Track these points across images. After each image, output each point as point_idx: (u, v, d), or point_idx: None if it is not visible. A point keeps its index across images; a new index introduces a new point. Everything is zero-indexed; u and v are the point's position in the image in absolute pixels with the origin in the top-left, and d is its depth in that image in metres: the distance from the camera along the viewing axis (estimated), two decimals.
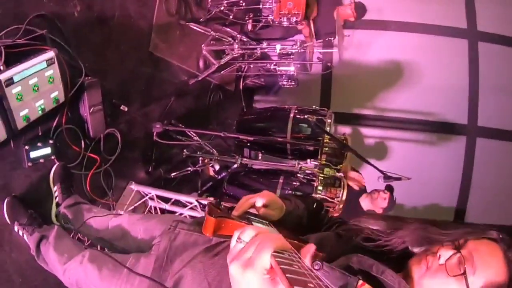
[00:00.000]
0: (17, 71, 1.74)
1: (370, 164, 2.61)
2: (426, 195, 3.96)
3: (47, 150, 2.03)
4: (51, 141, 2.05)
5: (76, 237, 2.11)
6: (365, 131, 4.16)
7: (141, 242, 1.44)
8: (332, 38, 2.99)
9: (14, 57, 1.75)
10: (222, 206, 0.97)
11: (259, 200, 1.00)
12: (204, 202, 2.43)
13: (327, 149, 2.80)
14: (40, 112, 1.91)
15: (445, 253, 0.85)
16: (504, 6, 3.89)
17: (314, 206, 1.23)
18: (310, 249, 0.72)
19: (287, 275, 0.55)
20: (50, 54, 1.89)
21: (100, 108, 2.28)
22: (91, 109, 2.22)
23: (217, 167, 3.31)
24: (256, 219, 0.97)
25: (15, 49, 1.79)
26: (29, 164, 1.97)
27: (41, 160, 2.01)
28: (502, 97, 3.83)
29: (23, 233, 1.89)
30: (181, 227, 1.19)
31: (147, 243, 1.36)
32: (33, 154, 1.98)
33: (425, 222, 0.99)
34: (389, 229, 1.01)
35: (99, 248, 2.34)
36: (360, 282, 0.68)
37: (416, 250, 0.96)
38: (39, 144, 1.99)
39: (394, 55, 4.04)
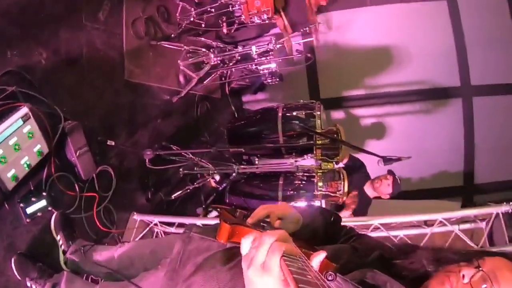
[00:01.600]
0: None
1: (366, 152, 2.58)
2: (431, 164, 3.92)
3: (43, 203, 2.05)
4: (44, 193, 2.06)
5: (89, 279, 2.15)
6: (359, 112, 4.11)
7: (147, 263, 1.45)
8: (306, 28, 2.92)
9: None
10: (238, 213, 0.99)
11: (276, 211, 1.00)
12: (207, 222, 2.44)
13: (320, 143, 2.78)
14: (27, 168, 1.92)
15: (469, 272, 0.84)
16: None
17: (332, 219, 1.22)
18: (319, 254, 0.72)
19: (300, 285, 0.55)
20: (24, 110, 1.88)
21: (86, 149, 2.28)
22: (77, 152, 2.23)
23: (217, 177, 3.30)
24: (270, 227, 0.97)
25: None
26: (28, 220, 1.99)
27: (39, 214, 2.03)
28: (491, 51, 3.73)
29: (36, 287, 1.92)
30: (196, 231, 1.19)
31: (153, 262, 1.37)
32: (30, 210, 1.99)
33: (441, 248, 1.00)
34: (406, 249, 1.01)
35: None
36: None
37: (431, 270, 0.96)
38: (33, 199, 2.01)
39: (374, 30, 3.95)
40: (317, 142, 2.75)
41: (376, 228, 2.35)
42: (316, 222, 1.14)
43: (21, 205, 1.95)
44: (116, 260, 1.69)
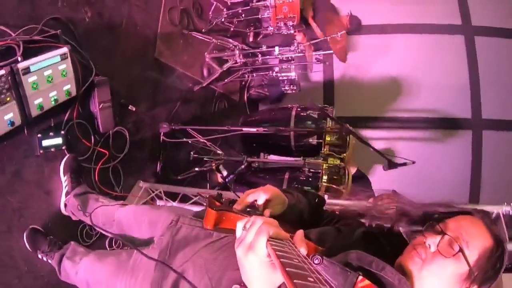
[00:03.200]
0: (33, 62, 1.90)
1: (373, 149, 2.65)
2: (435, 193, 3.78)
3: (59, 140, 2.14)
4: (62, 132, 2.17)
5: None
6: (369, 133, 4.19)
7: (143, 231, 1.49)
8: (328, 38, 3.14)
9: (31, 52, 1.93)
10: (223, 200, 0.98)
11: (262, 195, 1.00)
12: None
13: (329, 139, 2.86)
14: (53, 102, 2.05)
15: (434, 240, 0.88)
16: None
17: (316, 200, 1.25)
18: (299, 235, 0.76)
19: (287, 269, 0.56)
20: (64, 49, 2.06)
21: (109, 105, 2.42)
22: (101, 105, 2.36)
23: (224, 173, 3.37)
24: (257, 212, 0.98)
25: (32, 45, 1.97)
26: (41, 151, 2.07)
27: (52, 149, 2.11)
28: (504, 88, 3.84)
29: (47, 259, 1.99)
30: (183, 221, 1.22)
31: (150, 235, 1.42)
32: (45, 143, 2.09)
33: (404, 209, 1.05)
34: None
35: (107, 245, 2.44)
36: (360, 278, 0.69)
37: (406, 238, 0.99)
38: (51, 133, 2.11)
39: (393, 57, 4.14)
40: (326, 139, 2.83)
41: None
42: (301, 204, 1.16)
43: (39, 135, 2.06)
44: (115, 222, 1.74)
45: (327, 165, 2.77)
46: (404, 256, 0.91)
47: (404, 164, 2.63)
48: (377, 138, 4.17)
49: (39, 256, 1.98)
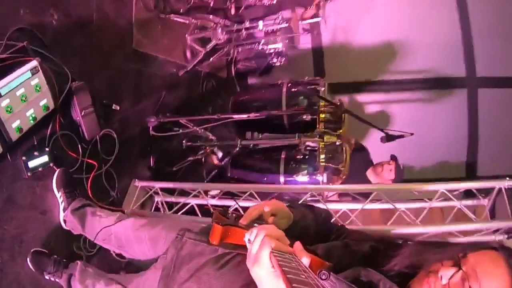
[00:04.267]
0: (3, 84, 1.77)
1: (369, 124, 2.60)
2: (434, 154, 3.91)
3: (45, 158, 2.08)
4: (47, 149, 2.10)
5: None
6: (363, 98, 4.11)
7: (146, 250, 1.48)
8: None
9: None
10: (229, 214, 0.98)
11: (267, 209, 1.01)
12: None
13: (324, 116, 2.79)
14: (32, 121, 1.96)
15: (447, 273, 0.83)
16: None
17: (323, 216, 1.24)
18: (298, 246, 0.76)
19: (294, 284, 0.56)
20: (33, 63, 1.92)
21: (92, 110, 2.32)
22: (83, 112, 2.27)
23: (220, 154, 3.33)
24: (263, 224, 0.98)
25: None
26: (29, 174, 2.02)
27: (40, 169, 2.06)
28: (498, 43, 3.69)
29: (54, 279, 2.00)
30: (188, 236, 1.21)
31: (153, 252, 1.41)
32: (31, 164, 2.03)
33: (425, 244, 0.99)
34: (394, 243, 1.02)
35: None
36: None
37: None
38: (35, 153, 2.04)
39: (382, 18, 3.94)
40: (320, 116, 2.76)
41: (377, 200, 2.34)
42: (307, 220, 1.15)
43: (23, 158, 1.99)
44: (112, 236, 1.74)
45: (323, 143, 2.72)
46: (415, 282, 0.89)
47: (402, 136, 2.59)
48: (371, 102, 4.09)
49: (46, 277, 2.01)
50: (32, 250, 2.00)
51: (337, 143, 2.67)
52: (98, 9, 2.46)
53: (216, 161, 3.40)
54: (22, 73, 1.87)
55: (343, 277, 0.76)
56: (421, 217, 2.21)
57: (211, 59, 3.28)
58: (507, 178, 2.13)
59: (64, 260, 2.05)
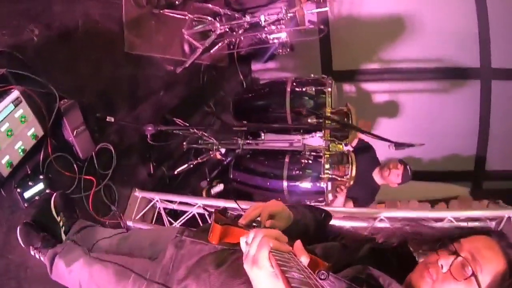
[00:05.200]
0: None
1: (378, 137, 2.46)
2: (444, 146, 3.77)
3: (40, 186, 2.03)
4: (41, 176, 2.03)
5: None
6: (373, 86, 3.89)
7: (146, 255, 1.43)
8: None
9: None
10: (229, 214, 0.99)
11: (266, 209, 1.01)
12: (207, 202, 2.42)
13: (330, 123, 2.65)
14: (21, 153, 1.89)
15: (447, 261, 0.85)
16: None
17: (322, 216, 1.23)
18: (298, 245, 0.74)
19: (293, 285, 0.56)
20: (15, 94, 1.81)
21: (84, 128, 2.22)
22: (75, 132, 2.17)
23: (223, 150, 3.24)
24: (261, 226, 0.98)
25: None
26: (26, 204, 1.98)
27: (37, 198, 2.02)
28: None
29: (39, 256, 1.96)
30: (187, 235, 1.21)
31: (152, 253, 1.37)
32: (27, 194, 1.98)
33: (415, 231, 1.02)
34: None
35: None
36: None
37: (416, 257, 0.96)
38: (30, 183, 1.98)
39: (394, 1, 3.61)
40: (326, 122, 2.62)
41: (381, 220, 2.29)
42: (306, 219, 1.14)
43: (18, 190, 1.93)
44: (115, 248, 1.67)
45: (328, 153, 2.61)
46: (415, 275, 0.90)
47: (412, 145, 2.44)
48: (380, 91, 3.87)
49: (32, 252, 1.98)
50: (23, 222, 1.98)
51: (344, 153, 2.54)
52: (83, 15, 2.26)
53: (219, 157, 3.33)
54: (4, 107, 1.76)
55: (342, 276, 0.79)
56: None
57: (211, 51, 3.06)
58: None
59: (53, 240, 2.01)
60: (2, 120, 1.76)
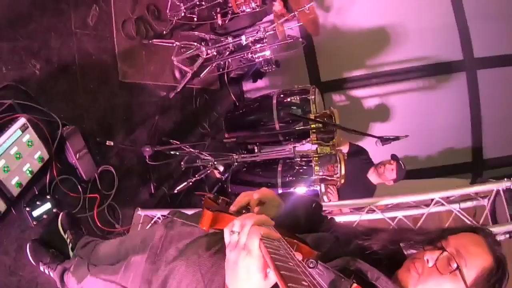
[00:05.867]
0: None
1: (361, 133, 2.59)
2: (438, 141, 3.84)
3: (47, 206, 2.18)
4: (48, 196, 2.18)
5: None
6: (362, 92, 4.04)
7: (139, 251, 1.46)
8: (295, 12, 2.87)
9: None
10: (220, 201, 0.99)
11: (256, 196, 1.01)
12: None
13: (314, 127, 2.79)
14: (29, 175, 2.05)
15: (432, 256, 0.87)
16: None
17: (313, 205, 1.24)
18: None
19: (281, 272, 0.56)
20: (22, 121, 2.00)
21: (86, 151, 2.39)
22: (77, 155, 2.34)
23: (221, 168, 3.36)
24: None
25: None
26: (34, 223, 2.12)
27: (45, 216, 2.16)
28: (493, 22, 3.55)
29: (48, 271, 2.06)
30: (178, 217, 1.22)
31: (143, 248, 1.35)
32: (35, 213, 2.12)
33: (406, 228, 1.04)
34: (368, 232, 1.04)
35: None
36: (354, 285, 0.68)
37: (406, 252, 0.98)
38: (38, 202, 2.13)
39: (372, 8, 3.84)
40: (312, 126, 2.76)
41: (371, 211, 2.36)
42: (298, 208, 1.15)
43: (27, 209, 2.08)
44: (115, 253, 1.76)
45: (317, 155, 2.73)
46: (402, 269, 0.92)
47: (397, 138, 2.55)
48: (369, 96, 4.02)
49: (41, 268, 2.07)
50: (32, 239, 2.09)
51: (332, 154, 2.66)
52: (78, 49, 2.49)
53: (218, 175, 3.46)
54: (13, 133, 1.96)
55: (331, 266, 0.78)
56: (419, 224, 2.22)
57: (201, 75, 3.28)
58: (505, 179, 2.09)
59: (62, 256, 2.12)
60: (11, 144, 1.94)
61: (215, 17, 3.48)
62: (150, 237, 1.34)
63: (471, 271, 0.84)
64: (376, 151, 3.22)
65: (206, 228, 0.89)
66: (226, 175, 3.28)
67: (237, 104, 3.86)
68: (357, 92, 4.04)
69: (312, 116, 2.75)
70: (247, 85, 4.20)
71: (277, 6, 3.22)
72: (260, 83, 4.14)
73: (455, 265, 0.84)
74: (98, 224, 2.48)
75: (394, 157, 3.11)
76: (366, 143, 3.32)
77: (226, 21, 3.50)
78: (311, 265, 0.65)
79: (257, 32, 2.91)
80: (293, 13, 2.86)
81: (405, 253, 0.94)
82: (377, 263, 0.88)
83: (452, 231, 0.93)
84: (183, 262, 1.03)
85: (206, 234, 1.08)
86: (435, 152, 3.94)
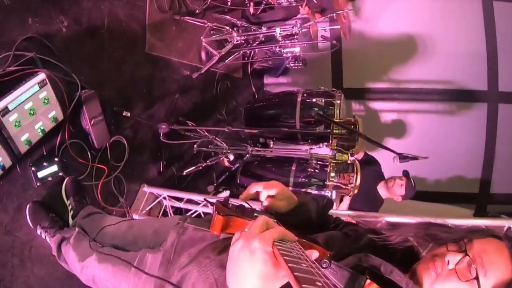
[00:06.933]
0: (10, 100, 1.78)
1: (382, 147, 2.49)
2: (449, 167, 3.78)
3: (54, 168, 2.11)
4: (56, 159, 2.11)
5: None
6: (381, 105, 3.97)
7: (150, 243, 1.44)
8: (334, 14, 2.79)
9: (7, 86, 1.80)
10: (230, 205, 0.98)
11: (265, 188, 1.01)
12: (213, 200, 2.45)
13: (337, 133, 2.70)
14: (40, 134, 1.97)
15: (454, 258, 0.85)
16: None
17: (324, 202, 1.22)
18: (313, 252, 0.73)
19: (295, 273, 0.55)
20: (41, 76, 1.92)
21: (101, 118, 2.31)
22: (92, 121, 2.26)
23: (231, 157, 3.28)
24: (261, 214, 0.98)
25: (7, 78, 1.84)
26: (38, 184, 2.05)
27: (50, 178, 2.09)
28: None
29: (45, 236, 2.00)
30: (189, 222, 1.21)
31: (156, 242, 1.38)
32: (41, 174, 2.05)
33: (430, 223, 1.01)
34: (392, 227, 1.02)
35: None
36: (368, 281, 0.69)
37: (422, 250, 0.96)
38: (45, 163, 2.06)
39: (405, 23, 3.78)
40: (334, 131, 2.67)
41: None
42: (309, 202, 1.14)
43: (33, 168, 2.01)
44: (121, 236, 1.70)
45: (334, 161, 2.65)
46: (422, 265, 0.90)
47: (416, 158, 2.47)
48: (388, 110, 3.94)
49: (38, 231, 2.00)
50: (33, 200, 2.02)
51: (349, 163, 2.57)
52: (110, 13, 2.41)
53: (227, 164, 3.38)
54: (30, 87, 1.86)
55: (344, 265, 0.78)
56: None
57: (226, 61, 3.19)
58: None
59: (61, 222, 2.05)
60: (26, 99, 1.85)
61: (248, 5, 3.39)
62: (163, 232, 1.34)
63: (488, 281, 0.82)
64: (387, 166, 3.15)
65: (217, 233, 0.89)
66: (236, 165, 3.19)
67: (256, 96, 3.77)
68: (376, 104, 3.97)
69: (336, 120, 2.66)
70: (269, 79, 4.12)
71: (304, 10, 3.15)
72: (282, 79, 4.06)
73: (474, 274, 0.82)
74: (100, 198, 2.40)
75: (405, 173, 3.04)
76: (379, 156, 3.24)
77: (259, 11, 3.41)
78: (324, 265, 0.65)
79: (292, 27, 2.81)
80: (333, 14, 2.75)
81: (421, 251, 0.94)
82: (391, 257, 0.87)
83: (479, 235, 0.91)
84: (195, 266, 1.02)
85: (218, 239, 1.07)
86: (444, 178, 3.88)
